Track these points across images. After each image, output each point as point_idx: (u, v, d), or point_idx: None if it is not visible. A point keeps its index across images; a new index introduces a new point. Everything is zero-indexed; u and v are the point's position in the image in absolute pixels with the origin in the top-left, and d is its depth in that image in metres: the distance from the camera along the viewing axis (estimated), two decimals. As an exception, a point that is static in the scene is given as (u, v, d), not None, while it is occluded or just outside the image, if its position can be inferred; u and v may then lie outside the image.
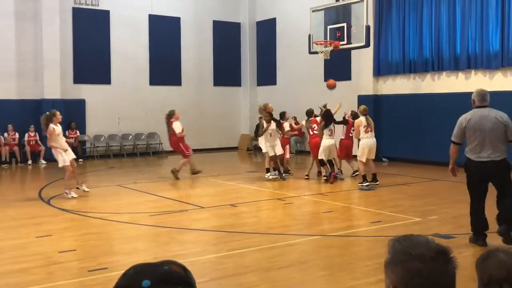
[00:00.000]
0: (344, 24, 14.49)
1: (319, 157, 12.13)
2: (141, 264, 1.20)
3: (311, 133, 13.00)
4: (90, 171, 15.18)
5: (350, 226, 7.95)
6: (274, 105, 20.94)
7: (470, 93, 6.83)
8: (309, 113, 13.47)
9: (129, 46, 19.25)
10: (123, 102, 19.06)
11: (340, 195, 10.73)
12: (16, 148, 16.68)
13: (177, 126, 13.09)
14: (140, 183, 12.24)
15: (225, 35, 21.54)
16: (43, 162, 16.85)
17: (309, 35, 15.59)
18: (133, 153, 19.25)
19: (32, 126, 16.87)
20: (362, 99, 17.39)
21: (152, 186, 11.91)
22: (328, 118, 11.99)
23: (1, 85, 16.81)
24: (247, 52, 21.96)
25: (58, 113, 10.56)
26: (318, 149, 12.12)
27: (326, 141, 11.91)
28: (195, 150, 20.17)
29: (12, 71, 17.15)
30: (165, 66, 20.02)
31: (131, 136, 19.38)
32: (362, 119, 11.54)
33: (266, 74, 21.48)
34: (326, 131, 11.98)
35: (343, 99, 18.26)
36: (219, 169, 15.02)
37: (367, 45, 14.41)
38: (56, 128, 10.22)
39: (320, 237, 7.32)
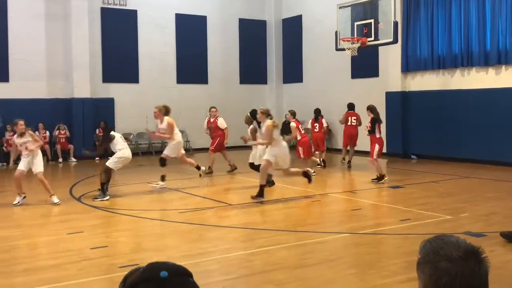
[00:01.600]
0: (372, 20, 14.36)
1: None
2: (147, 264, 1.28)
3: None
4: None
5: (379, 224, 7.89)
6: (301, 103, 21.05)
7: (500, 89, 6.72)
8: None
9: (156, 45, 19.44)
10: (151, 100, 19.16)
11: (368, 192, 10.65)
12: (47, 147, 16.98)
13: (222, 122, 14.23)
14: (169, 181, 12.33)
15: (251, 33, 21.57)
16: (73, 160, 17.16)
17: (336, 32, 15.50)
18: (161, 151, 19.32)
19: (63, 124, 17.18)
20: (390, 96, 17.25)
21: (181, 183, 12.00)
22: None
23: (32, 84, 17.15)
24: (273, 50, 21.96)
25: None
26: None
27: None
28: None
29: (43, 71, 17.50)
30: (191, 64, 20.16)
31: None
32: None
33: (292, 72, 21.45)
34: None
35: (370, 95, 18.16)
36: (246, 167, 15.02)
37: (395, 41, 14.26)
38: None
39: (349, 235, 7.28)
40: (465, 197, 9.80)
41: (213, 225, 7.86)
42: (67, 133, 17.28)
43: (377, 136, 11.58)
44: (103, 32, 18.52)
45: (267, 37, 22.06)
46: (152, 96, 19.16)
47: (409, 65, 16.70)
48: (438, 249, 1.44)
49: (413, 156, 16.36)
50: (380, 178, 11.43)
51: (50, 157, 17.00)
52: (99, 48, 18.44)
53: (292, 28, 21.37)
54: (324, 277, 5.56)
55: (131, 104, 18.94)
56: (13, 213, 9.20)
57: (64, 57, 17.76)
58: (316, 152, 14.44)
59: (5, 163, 16.25)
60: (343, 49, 15.01)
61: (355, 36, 14.73)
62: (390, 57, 17.05)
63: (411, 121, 16.80)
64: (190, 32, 20.13)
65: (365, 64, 17.66)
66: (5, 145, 16.52)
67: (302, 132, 13.47)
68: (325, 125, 15.02)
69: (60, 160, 17.06)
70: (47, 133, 17.11)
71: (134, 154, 18.36)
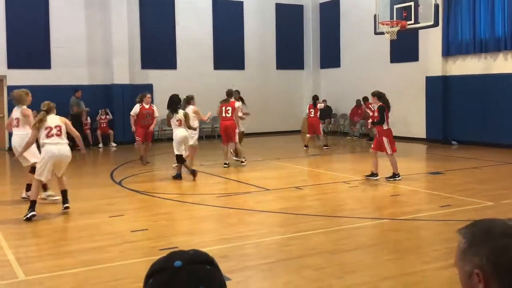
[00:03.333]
0: (411, 3, 14.04)
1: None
2: (174, 251, 1.30)
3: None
4: (158, 154, 15.59)
5: (419, 210, 7.78)
6: (338, 88, 20.87)
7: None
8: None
9: (193, 31, 19.53)
10: (188, 86, 19.33)
11: (407, 178, 10.49)
12: (88, 132, 17.37)
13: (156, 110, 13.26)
14: (207, 166, 12.46)
15: (288, 18, 21.41)
16: (114, 145, 17.51)
17: (375, 15, 15.23)
18: (199, 136, 19.54)
19: (103, 110, 17.52)
20: (430, 81, 16.90)
21: (217, 168, 12.09)
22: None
23: (73, 71, 17.50)
24: (310, 35, 21.76)
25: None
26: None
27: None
28: (258, 134, 20.35)
29: (83, 58, 17.82)
30: (228, 50, 20.18)
31: (196, 120, 19.70)
32: None
33: (330, 57, 21.23)
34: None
35: (410, 80, 17.84)
36: (283, 152, 15.05)
37: (435, 24, 13.92)
38: None
39: (388, 220, 7.22)
40: (508, 184, 9.57)
41: (250, 210, 7.90)
42: (109, 117, 17.61)
43: (385, 127, 9.91)
44: (142, 19, 18.71)
45: (304, 22, 21.86)
46: (190, 82, 19.30)
47: (450, 49, 16.30)
48: (489, 228, 1.41)
49: (453, 142, 16.04)
50: (374, 175, 10.03)
51: (91, 142, 17.38)
52: (137, 35, 18.65)
53: (330, 12, 21.11)
54: (362, 262, 5.54)
55: (169, 90, 18.95)
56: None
57: (104, 44, 18.03)
58: (307, 135, 15.59)
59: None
60: (382, 33, 14.75)
61: (394, 19, 14.44)
62: (431, 41, 16.68)
63: (452, 107, 16.44)
64: (227, 18, 20.14)
65: (404, 48, 17.33)
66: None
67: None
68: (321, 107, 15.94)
69: (101, 145, 17.42)
70: (88, 119, 17.47)
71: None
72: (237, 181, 10.42)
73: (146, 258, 5.69)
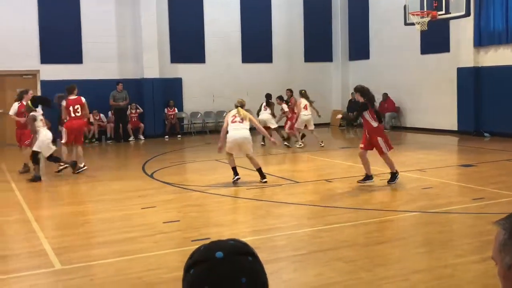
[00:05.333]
0: (442, -7, 13.82)
1: None
2: (209, 242, 1.29)
3: None
4: (188, 147, 15.75)
5: (451, 203, 7.69)
6: (367, 80, 20.62)
7: None
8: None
9: (221, 25, 19.58)
10: (217, 80, 19.49)
11: (439, 171, 10.38)
12: (120, 125, 17.70)
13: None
14: (236, 158, 12.50)
15: (316, 9, 21.27)
16: (142, 138, 17.74)
17: (405, 6, 15.02)
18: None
19: (133, 105, 17.75)
20: (461, 72, 16.62)
21: (247, 160, 12.11)
22: None
23: (104, 66, 17.75)
24: (339, 26, 21.57)
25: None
26: None
27: None
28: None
29: (114, 53, 18.07)
30: (256, 43, 20.17)
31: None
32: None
33: (359, 48, 21.04)
34: None
35: (441, 72, 17.57)
36: (312, 145, 15.01)
37: (467, 14, 13.67)
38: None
39: (419, 213, 7.16)
40: (543, 177, 9.38)
41: (280, 202, 7.93)
42: (139, 111, 17.85)
43: (374, 125, 8.76)
44: (171, 13, 18.84)
45: (333, 13, 21.68)
46: (218, 75, 19.41)
47: (482, 39, 15.99)
48: None
49: (486, 134, 15.76)
50: (368, 177, 8.96)
51: (122, 136, 17.66)
52: (167, 29, 18.80)
53: (359, 2, 20.90)
54: (393, 255, 5.52)
55: (198, 84, 19.26)
56: (88, 189, 9.65)
57: (134, 38, 18.24)
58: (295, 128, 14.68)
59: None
60: (412, 24, 14.55)
61: (425, 9, 14.23)
62: (462, 31, 16.38)
63: (484, 98, 16.15)
64: (255, 10, 20.12)
65: (435, 39, 17.07)
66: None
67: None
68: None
69: (132, 138, 17.67)
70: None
71: (202, 132, 18.87)
72: (266, 173, 10.43)
73: (179, 249, 5.78)
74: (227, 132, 9.40)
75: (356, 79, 21.25)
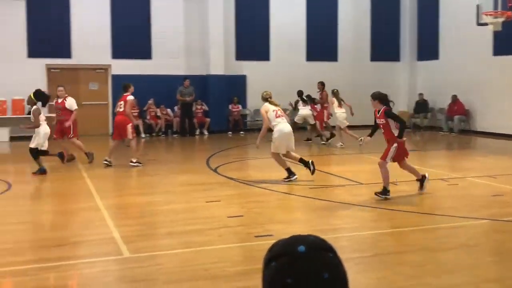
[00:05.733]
0: (519, -8, 13.25)
1: None
2: (289, 236, 1.28)
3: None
4: (250, 143, 15.83)
5: (524, 212, 7.37)
6: (436, 81, 20.09)
7: None
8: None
9: (287, 22, 19.57)
10: (281, 78, 19.50)
11: (511, 178, 9.96)
12: (186, 120, 18.14)
13: (71, 103, 11.94)
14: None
15: (384, 7, 20.85)
16: (206, 133, 18.03)
17: (477, 6, 14.50)
18: (293, 129, 19.65)
19: (198, 101, 18.08)
20: (538, 75, 15.87)
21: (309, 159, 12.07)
22: None
23: (172, 62, 18.17)
24: (407, 25, 21.03)
25: None
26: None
27: None
28: (352, 127, 20.06)
29: (181, 49, 18.45)
30: (321, 41, 20.03)
31: (288, 111, 19.80)
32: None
33: (427, 48, 20.45)
34: None
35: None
36: (377, 146, 14.74)
37: (545, 15, 13.04)
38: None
39: (489, 221, 6.90)
40: None
41: (344, 203, 7.85)
42: (204, 107, 18.17)
43: (396, 133, 8.06)
44: (237, 10, 19.03)
45: (401, 11, 21.15)
46: (282, 73, 19.42)
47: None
48: None
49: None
50: (384, 191, 7.90)
51: (187, 130, 18.06)
52: (233, 26, 19.00)
53: (428, 0, 20.32)
54: (462, 262, 5.36)
55: (262, 81, 19.27)
56: (154, 180, 9.90)
57: (201, 35, 18.55)
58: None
59: (147, 135, 17.50)
60: (485, 24, 14.03)
61: (499, 9, 13.68)
62: (540, 33, 15.63)
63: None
64: (321, 8, 19.97)
65: (509, 40, 16.36)
66: (148, 117, 17.77)
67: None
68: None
69: (197, 132, 18.03)
70: (204, 105, 18.18)
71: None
72: (329, 173, 10.38)
73: (243, 244, 5.85)
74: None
75: (424, 79, 20.75)
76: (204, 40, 18.48)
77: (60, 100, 11.84)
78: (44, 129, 10.44)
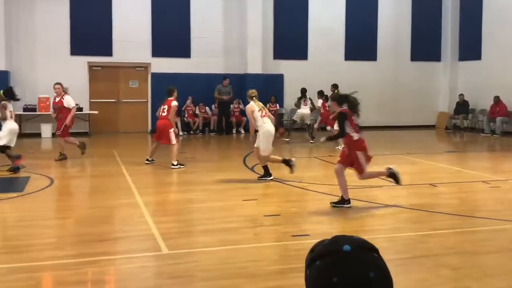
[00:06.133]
0: None
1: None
2: (332, 236, 1.28)
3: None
4: (286, 143, 15.80)
5: None
6: (478, 82, 19.62)
7: None
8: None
9: (325, 21, 19.46)
10: (318, 77, 19.38)
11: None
12: (233, 119, 18.35)
13: (68, 101, 11.94)
14: (335, 156, 12.37)
15: (425, 5, 20.50)
16: (242, 131, 18.11)
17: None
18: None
19: (237, 100, 18.16)
20: None
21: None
22: None
23: (210, 60, 18.31)
24: (449, 24, 20.62)
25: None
26: None
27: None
28: (389, 127, 19.83)
29: (220, 48, 18.57)
30: (360, 40, 19.83)
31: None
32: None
33: (470, 48, 20.00)
34: None
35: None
36: (415, 147, 14.56)
37: None
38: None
39: (534, 225, 6.70)
40: None
41: (382, 204, 7.76)
42: (241, 107, 18.24)
43: (355, 137, 7.34)
44: (276, 9, 19.02)
45: (443, 10, 20.76)
46: (320, 73, 19.30)
47: None
48: None
49: None
50: (345, 201, 7.36)
51: (224, 129, 18.17)
52: (271, 25, 19.00)
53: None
54: (504, 266, 5.22)
55: (300, 81, 19.24)
56: (192, 178, 10.00)
57: (239, 34, 18.62)
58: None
59: (185, 133, 17.70)
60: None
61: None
62: None
63: None
64: (360, 6, 19.78)
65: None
66: (186, 115, 17.96)
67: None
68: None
69: (234, 131, 18.15)
70: (241, 104, 18.30)
71: (301, 129, 18.89)
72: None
73: (280, 243, 5.84)
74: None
75: (465, 80, 20.30)
76: (243, 39, 18.55)
77: (57, 99, 11.70)
78: (10, 125, 10.23)
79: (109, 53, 17.62)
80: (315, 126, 15.79)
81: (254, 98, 9.38)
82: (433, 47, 20.73)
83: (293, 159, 9.49)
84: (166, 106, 11.08)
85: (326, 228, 6.43)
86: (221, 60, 18.58)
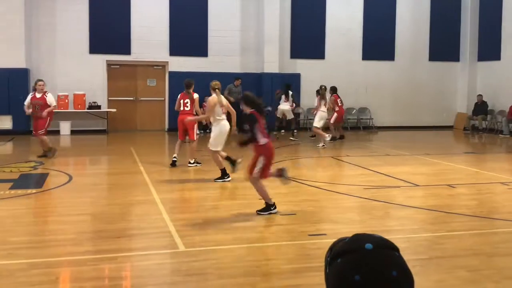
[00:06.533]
0: None
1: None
2: (353, 235, 1.27)
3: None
4: (303, 142, 15.80)
5: None
6: (497, 82, 19.39)
7: None
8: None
9: (343, 20, 19.38)
10: (336, 76, 19.32)
11: None
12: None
13: (51, 99, 11.75)
14: (352, 157, 12.38)
15: (444, 5, 20.29)
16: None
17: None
18: (344, 127, 19.49)
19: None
20: None
21: (364, 160, 11.95)
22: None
23: (227, 59, 18.34)
24: (468, 24, 20.37)
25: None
26: None
27: None
28: (406, 127, 19.70)
29: (237, 47, 18.60)
30: (378, 40, 19.70)
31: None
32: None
33: (489, 48, 19.77)
34: None
35: None
36: (433, 147, 14.45)
37: None
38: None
39: (554, 227, 6.62)
40: None
41: (399, 204, 7.72)
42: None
43: (261, 142, 6.89)
44: (293, 8, 18.99)
45: (462, 10, 20.51)
46: (337, 72, 19.24)
47: None
48: None
49: None
50: (270, 207, 6.96)
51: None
52: (288, 24, 18.98)
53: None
54: (524, 269, 5.17)
55: (317, 80, 19.19)
56: (208, 176, 10.02)
57: (256, 33, 18.63)
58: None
59: (201, 131, 17.75)
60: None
61: None
62: None
63: None
64: (379, 6, 19.66)
65: None
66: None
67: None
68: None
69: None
70: None
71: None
72: (384, 174, 10.21)
73: (296, 242, 5.84)
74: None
75: (484, 81, 20.09)
76: (259, 38, 18.56)
77: (39, 95, 11.50)
78: None
79: (128, 52, 17.75)
80: (331, 122, 15.69)
81: (217, 90, 9.21)
82: (451, 47, 20.53)
83: (239, 160, 9.20)
84: (188, 100, 10.72)
85: (343, 228, 6.42)
86: (238, 59, 18.61)
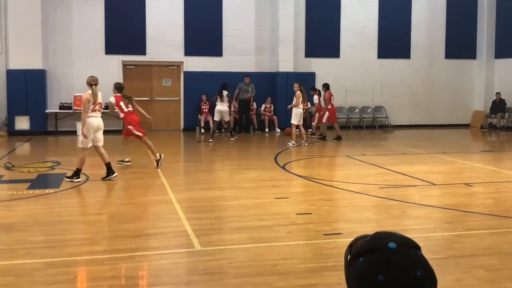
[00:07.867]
0: None
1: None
2: (374, 233, 1.25)
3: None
4: (317, 141, 15.76)
5: None
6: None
7: None
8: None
9: (358, 18, 19.30)
10: (351, 75, 19.28)
11: None
12: (253, 117, 18.21)
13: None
14: (368, 155, 12.32)
15: (460, 2, 20.11)
16: (278, 130, 18.08)
17: None
18: (359, 126, 19.42)
19: (269, 97, 18.17)
20: None
21: (379, 159, 11.89)
22: None
23: (242, 58, 18.36)
24: (485, 21, 20.17)
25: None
26: None
27: None
28: (423, 126, 19.56)
29: (251, 46, 18.60)
30: (394, 38, 19.59)
31: (357, 109, 19.57)
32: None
33: (507, 46, 19.54)
34: None
35: None
36: (449, 146, 14.33)
37: None
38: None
39: None
40: None
41: (416, 203, 7.66)
42: (272, 106, 18.26)
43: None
44: (308, 7, 18.95)
45: (478, 7, 20.30)
46: (352, 71, 19.18)
47: None
48: None
49: None
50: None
51: (256, 127, 18.16)
52: (303, 23, 18.94)
53: (509, -4, 19.42)
54: (543, 269, 5.10)
55: (331, 79, 19.11)
56: (224, 176, 10.07)
57: (271, 32, 18.62)
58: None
59: (217, 131, 17.76)
60: None
61: None
62: None
63: None
64: (394, 4, 19.53)
65: None
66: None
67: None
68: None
69: (267, 130, 18.14)
70: (254, 104, 18.24)
71: (331, 127, 18.80)
72: (400, 173, 10.15)
73: (312, 241, 5.83)
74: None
75: (502, 78, 19.86)
76: (274, 37, 18.55)
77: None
78: None
79: (143, 52, 17.84)
80: (323, 121, 15.55)
81: (93, 86, 9.02)
82: (468, 44, 20.33)
83: (115, 174, 9.30)
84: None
85: (359, 227, 6.38)
86: (253, 58, 18.62)
